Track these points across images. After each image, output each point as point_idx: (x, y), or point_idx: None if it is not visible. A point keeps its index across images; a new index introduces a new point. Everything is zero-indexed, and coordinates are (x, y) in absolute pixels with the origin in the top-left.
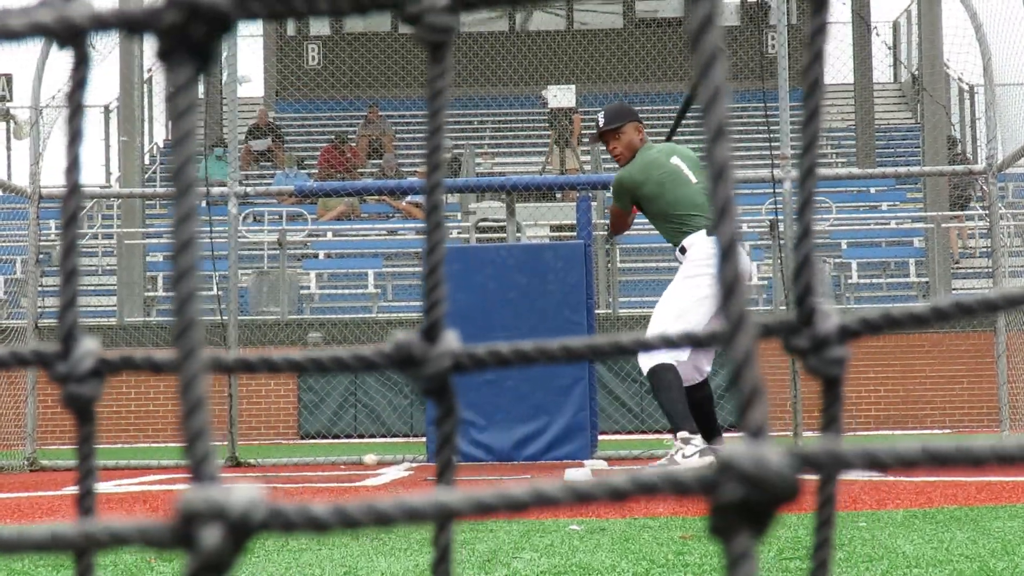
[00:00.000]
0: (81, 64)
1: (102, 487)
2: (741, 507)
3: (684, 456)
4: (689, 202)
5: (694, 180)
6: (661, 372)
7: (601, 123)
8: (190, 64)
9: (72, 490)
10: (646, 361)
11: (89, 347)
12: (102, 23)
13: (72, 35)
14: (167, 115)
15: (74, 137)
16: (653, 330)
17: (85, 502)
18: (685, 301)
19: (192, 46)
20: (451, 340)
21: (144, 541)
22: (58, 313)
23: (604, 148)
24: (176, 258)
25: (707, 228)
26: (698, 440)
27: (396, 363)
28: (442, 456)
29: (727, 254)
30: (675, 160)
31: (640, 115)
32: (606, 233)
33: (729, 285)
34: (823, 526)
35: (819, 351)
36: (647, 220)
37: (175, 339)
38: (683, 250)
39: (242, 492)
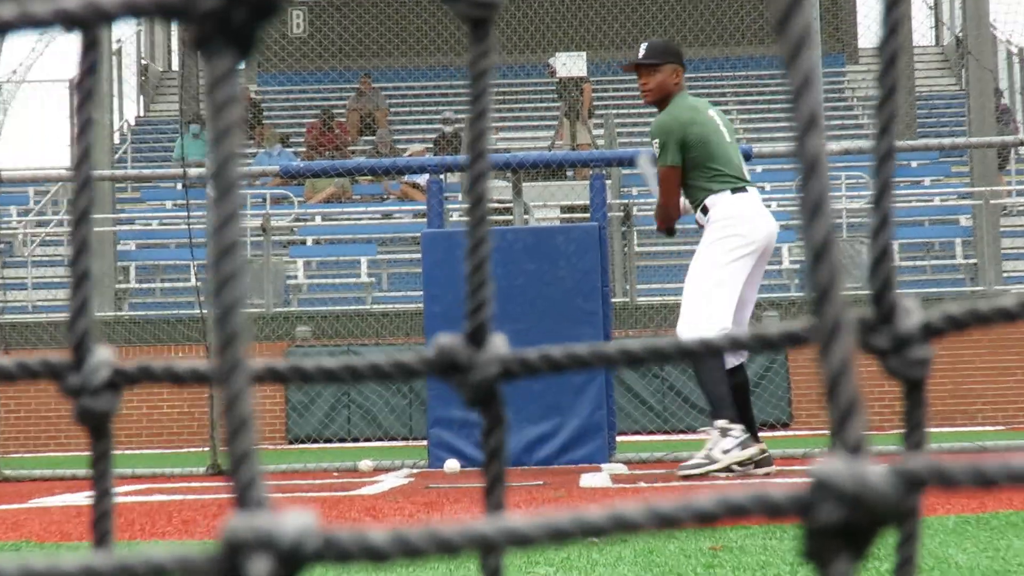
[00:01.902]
0: (91, 48)
1: (68, 499)
2: (839, 530)
3: (723, 450)
4: (726, 157)
5: (728, 138)
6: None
7: (640, 54)
8: (230, 53)
9: (39, 502)
10: (688, 335)
11: (103, 357)
12: (134, 9)
13: (97, 22)
14: (179, 100)
15: (84, 127)
16: (692, 304)
17: (101, 525)
18: (720, 268)
19: (232, 33)
20: (499, 344)
21: (185, 573)
22: (70, 319)
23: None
24: (217, 265)
25: (733, 188)
26: (738, 431)
27: (439, 370)
28: (491, 471)
29: (821, 256)
30: (712, 113)
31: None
32: (621, 214)
33: (824, 288)
34: (907, 542)
35: (900, 351)
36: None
37: (218, 352)
38: (705, 210)
39: (293, 519)
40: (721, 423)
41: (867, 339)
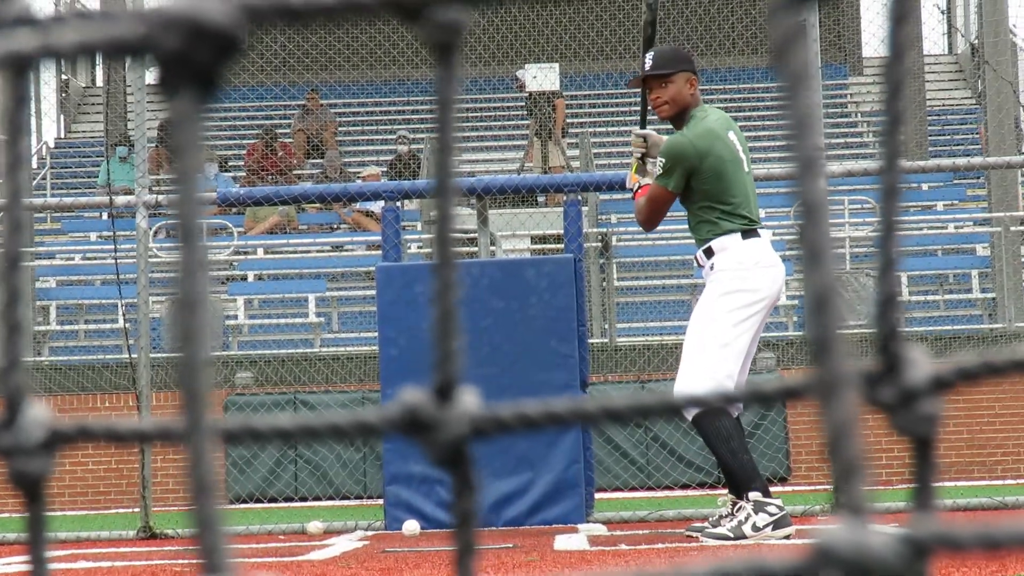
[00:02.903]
0: (21, 75)
1: None
2: None
3: (756, 527)
4: (742, 193)
5: (746, 167)
6: (712, 418)
7: (647, 65)
8: (194, 93)
9: None
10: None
11: (37, 414)
12: (89, 48)
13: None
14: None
15: (14, 164)
16: (692, 365)
17: None
18: (726, 327)
19: (196, 72)
20: (468, 400)
21: None
22: (1, 373)
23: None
24: (181, 320)
25: (744, 231)
26: (774, 507)
27: (403, 428)
28: (461, 539)
29: (821, 306)
30: (732, 137)
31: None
32: (599, 244)
33: (824, 340)
34: None
35: (907, 406)
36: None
37: (181, 410)
38: (710, 252)
39: None
40: (754, 496)
41: (872, 393)
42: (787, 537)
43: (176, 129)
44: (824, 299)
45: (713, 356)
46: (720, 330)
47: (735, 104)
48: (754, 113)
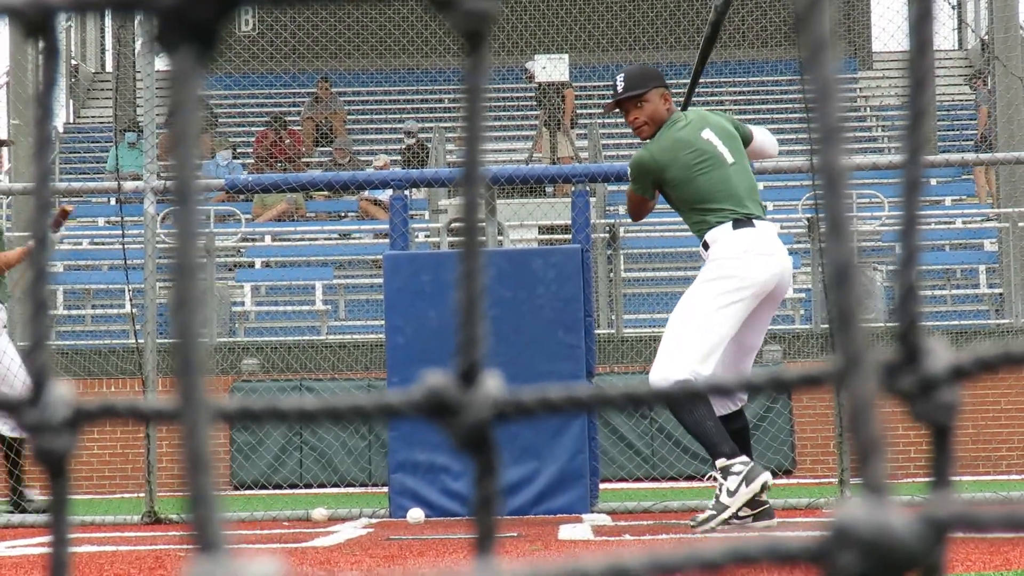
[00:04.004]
0: (51, 58)
1: None
2: None
3: (729, 492)
4: (721, 188)
5: (730, 159)
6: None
7: (619, 88)
8: (192, 49)
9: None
10: (657, 379)
11: (62, 393)
12: (83, 4)
13: (42, 19)
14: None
15: (43, 146)
16: (672, 344)
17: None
18: (707, 313)
19: (195, 27)
20: (492, 384)
21: None
22: (27, 352)
23: (622, 119)
24: (177, 285)
25: (735, 220)
26: (739, 464)
27: (426, 411)
28: (482, 522)
29: (842, 278)
30: (707, 135)
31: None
32: (606, 235)
33: (846, 314)
34: None
35: (927, 395)
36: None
37: (176, 383)
38: (706, 245)
39: (258, 568)
40: (720, 463)
41: (892, 382)
42: (764, 486)
43: (174, 87)
44: (845, 270)
45: (689, 340)
46: (700, 316)
47: (743, 97)
48: (763, 107)
